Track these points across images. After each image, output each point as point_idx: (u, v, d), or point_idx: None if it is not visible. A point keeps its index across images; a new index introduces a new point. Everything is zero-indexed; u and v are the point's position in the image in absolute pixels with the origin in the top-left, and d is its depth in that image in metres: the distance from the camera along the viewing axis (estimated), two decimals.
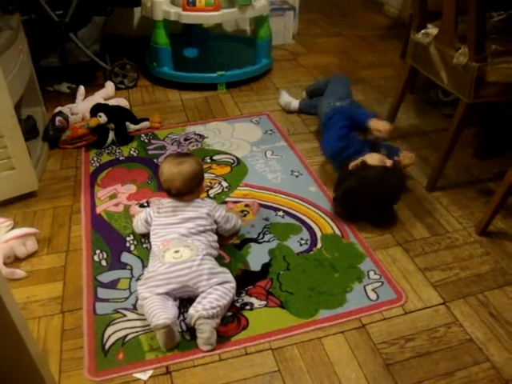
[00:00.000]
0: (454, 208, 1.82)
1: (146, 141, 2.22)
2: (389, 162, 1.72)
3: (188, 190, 1.54)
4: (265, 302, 1.43)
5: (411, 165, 1.92)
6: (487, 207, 1.67)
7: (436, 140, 2.22)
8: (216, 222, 1.57)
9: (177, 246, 1.42)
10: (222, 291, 1.34)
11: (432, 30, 1.85)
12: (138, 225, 1.63)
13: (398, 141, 2.21)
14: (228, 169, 2.03)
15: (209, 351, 1.29)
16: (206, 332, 1.27)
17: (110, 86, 2.55)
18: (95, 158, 2.10)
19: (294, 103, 2.44)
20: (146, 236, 1.62)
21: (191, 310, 1.30)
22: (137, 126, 2.28)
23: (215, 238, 1.54)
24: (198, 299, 1.32)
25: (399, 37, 3.22)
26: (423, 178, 1.96)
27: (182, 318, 1.36)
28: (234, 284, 1.39)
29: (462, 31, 1.65)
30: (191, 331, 1.32)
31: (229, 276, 1.40)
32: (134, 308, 1.40)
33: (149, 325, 1.33)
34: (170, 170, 1.53)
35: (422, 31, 1.88)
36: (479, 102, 1.70)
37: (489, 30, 1.64)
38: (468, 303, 1.44)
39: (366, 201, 1.68)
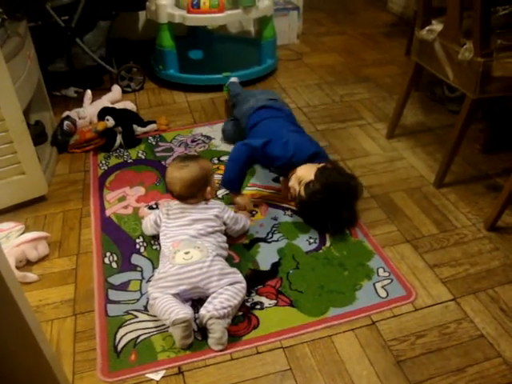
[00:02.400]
0: (463, 204, 1.81)
1: (154, 143, 2.23)
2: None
3: (189, 195, 1.55)
4: (275, 301, 1.43)
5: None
6: (495, 202, 1.66)
7: (442, 136, 2.21)
8: (225, 224, 1.58)
9: (187, 247, 1.43)
10: (232, 291, 1.34)
11: (436, 26, 1.84)
12: (148, 226, 1.64)
13: (404, 138, 2.22)
14: None
15: (220, 351, 1.29)
16: (217, 332, 1.27)
17: (116, 90, 2.57)
18: (103, 162, 2.11)
19: None
20: (156, 238, 1.63)
21: (202, 311, 1.30)
22: (144, 129, 2.29)
23: (224, 238, 1.55)
24: (209, 299, 1.33)
25: (403, 34, 3.23)
26: (431, 175, 1.96)
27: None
28: (244, 284, 1.39)
29: (467, 26, 1.64)
30: (202, 331, 1.33)
31: (239, 276, 1.41)
32: (146, 309, 1.41)
33: (161, 325, 1.35)
34: (172, 173, 1.55)
35: (427, 28, 1.88)
36: (485, 98, 1.70)
37: (494, 25, 1.63)
38: (478, 299, 1.44)
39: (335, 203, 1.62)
